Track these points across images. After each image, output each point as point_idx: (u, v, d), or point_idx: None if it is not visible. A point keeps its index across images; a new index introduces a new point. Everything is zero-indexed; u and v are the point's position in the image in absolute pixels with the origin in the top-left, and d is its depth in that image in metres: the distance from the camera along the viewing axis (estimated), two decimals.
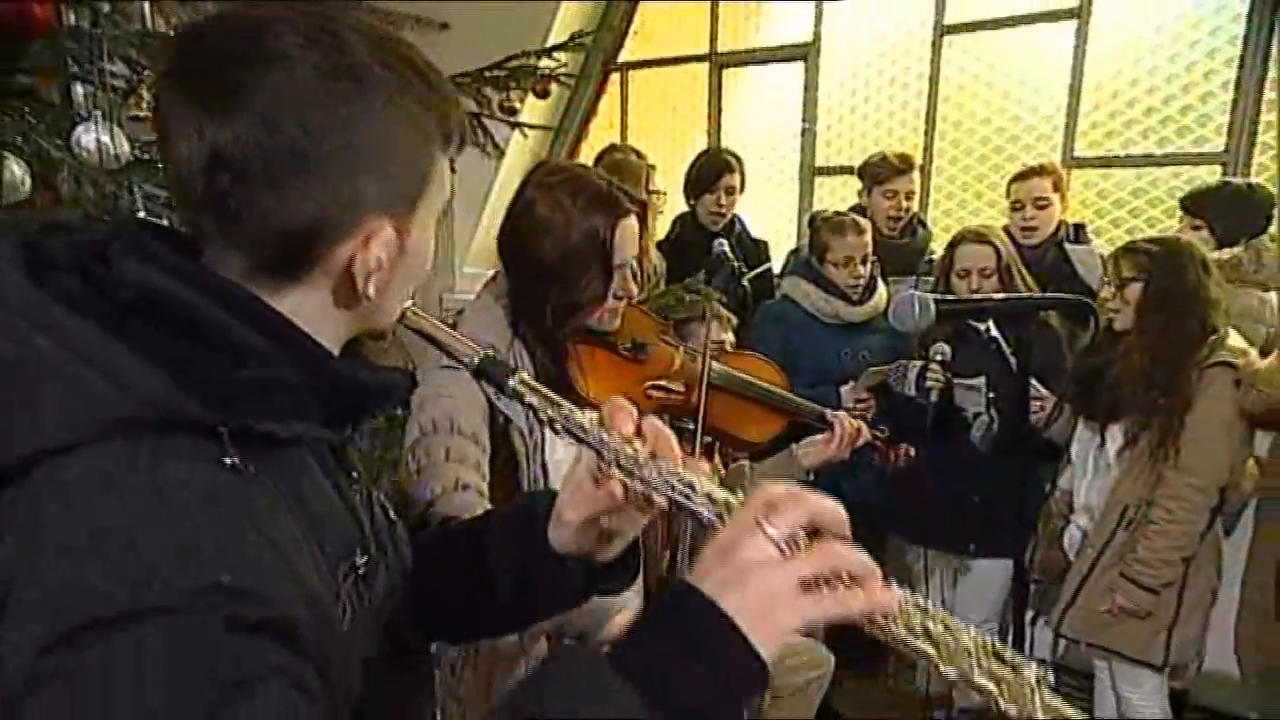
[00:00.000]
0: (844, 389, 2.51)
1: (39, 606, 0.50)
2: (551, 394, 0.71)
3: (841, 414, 1.76)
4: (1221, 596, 2.25)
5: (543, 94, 2.93)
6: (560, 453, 1.27)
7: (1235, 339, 2.15)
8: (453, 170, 0.72)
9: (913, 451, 1.93)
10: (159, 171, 1.42)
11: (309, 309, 0.65)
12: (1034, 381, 2.34)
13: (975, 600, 2.61)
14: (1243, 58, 2.86)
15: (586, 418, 0.70)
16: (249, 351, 0.60)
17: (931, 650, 0.60)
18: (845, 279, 2.59)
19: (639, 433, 0.70)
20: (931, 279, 2.67)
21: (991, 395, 2.42)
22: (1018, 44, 3.36)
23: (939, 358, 2.36)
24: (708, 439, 1.68)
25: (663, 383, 1.47)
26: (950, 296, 2.39)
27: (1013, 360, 2.33)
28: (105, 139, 1.35)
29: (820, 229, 2.68)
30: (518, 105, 2.89)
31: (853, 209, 2.93)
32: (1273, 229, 2.57)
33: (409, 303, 0.73)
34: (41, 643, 0.48)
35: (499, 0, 3.97)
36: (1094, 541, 2.27)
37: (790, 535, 0.60)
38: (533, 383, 0.72)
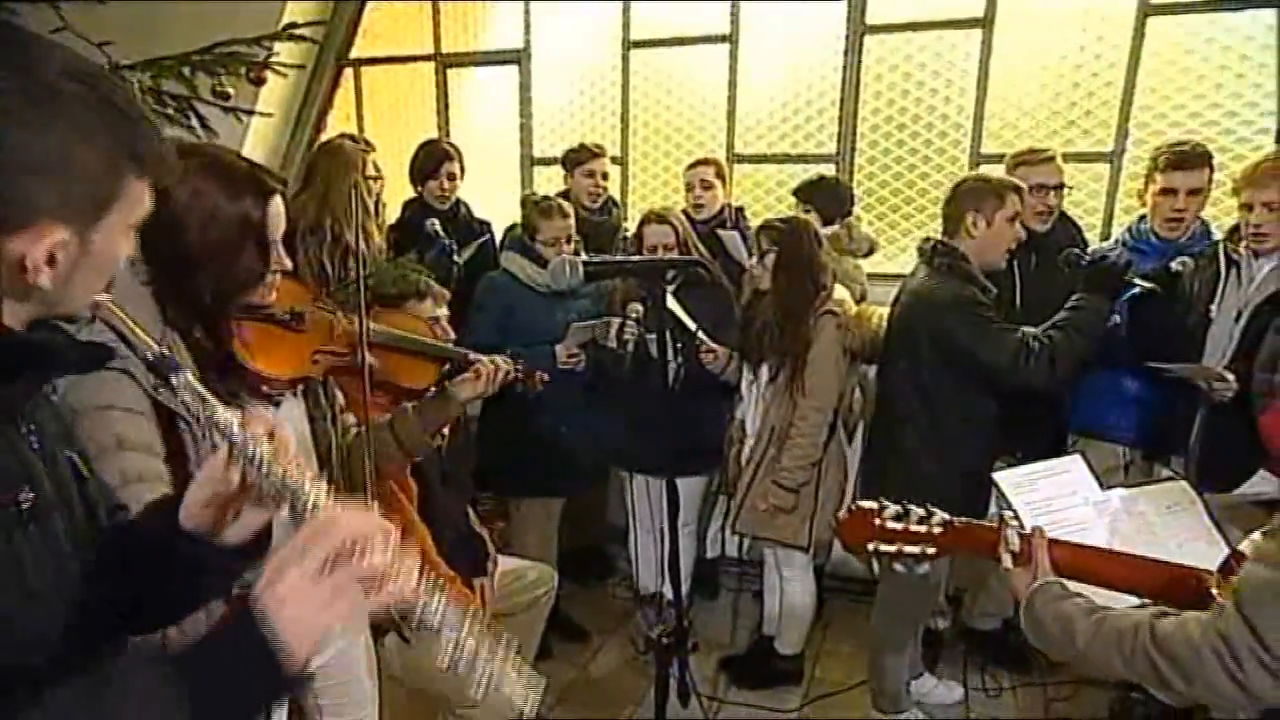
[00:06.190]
0: (557, 347, 2.50)
1: None
2: (205, 393, 0.72)
3: (483, 357, 1.70)
4: (849, 490, 2.48)
5: (257, 81, 2.59)
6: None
7: (840, 292, 2.42)
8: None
9: (546, 377, 1.90)
10: None
11: None
12: (702, 334, 2.48)
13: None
14: (843, 83, 3.23)
15: (229, 417, 0.72)
16: None
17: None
18: (554, 255, 2.55)
19: (271, 437, 0.73)
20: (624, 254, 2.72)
21: (679, 346, 2.51)
22: (689, 60, 3.50)
23: (633, 315, 2.41)
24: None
25: (327, 348, 1.32)
26: (596, 259, 2.42)
27: (687, 319, 2.45)
28: None
29: (531, 212, 2.63)
30: (231, 91, 2.52)
31: (560, 194, 2.92)
32: (858, 211, 2.94)
33: (104, 297, 0.72)
34: None
35: None
36: (753, 457, 2.45)
37: (323, 561, 0.62)
38: (193, 382, 0.71)
